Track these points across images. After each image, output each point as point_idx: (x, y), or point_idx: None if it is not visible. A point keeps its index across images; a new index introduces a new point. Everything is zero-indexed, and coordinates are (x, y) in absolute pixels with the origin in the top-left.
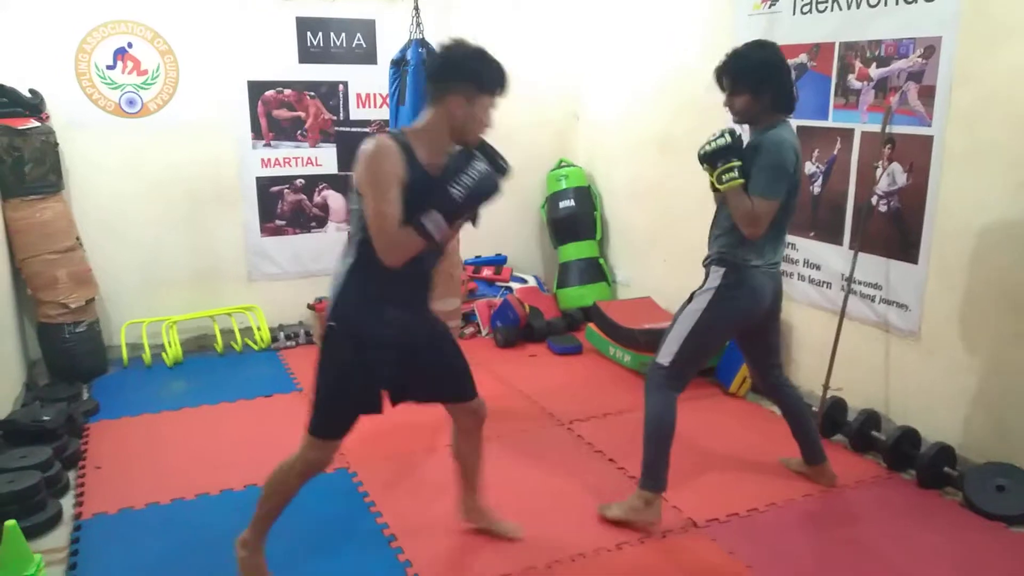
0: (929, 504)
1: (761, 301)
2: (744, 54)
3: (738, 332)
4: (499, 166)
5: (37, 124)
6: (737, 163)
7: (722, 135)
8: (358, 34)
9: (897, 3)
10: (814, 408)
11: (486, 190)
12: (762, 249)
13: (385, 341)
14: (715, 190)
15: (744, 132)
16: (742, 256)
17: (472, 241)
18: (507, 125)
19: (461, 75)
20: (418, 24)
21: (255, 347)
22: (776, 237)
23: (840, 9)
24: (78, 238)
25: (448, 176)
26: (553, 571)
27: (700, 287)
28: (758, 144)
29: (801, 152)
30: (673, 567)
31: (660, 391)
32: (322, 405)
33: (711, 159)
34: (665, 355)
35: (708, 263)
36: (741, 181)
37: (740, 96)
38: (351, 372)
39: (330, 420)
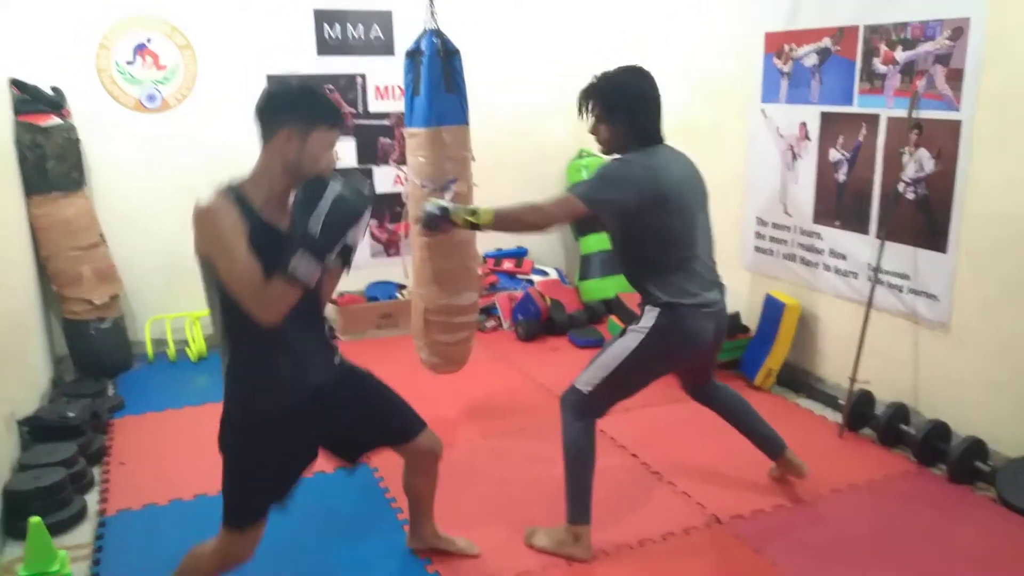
0: (960, 500)
1: (698, 343)
2: (612, 79)
3: (672, 372)
4: (359, 191)
5: (59, 121)
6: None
7: (431, 208)
8: (375, 25)
9: None
10: (840, 401)
11: (345, 215)
12: (684, 285)
13: (282, 417)
14: (475, 227)
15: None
16: (672, 295)
17: (493, 234)
18: (527, 115)
19: (288, 110)
20: (433, 14)
21: None
22: (689, 268)
23: None
24: (101, 234)
25: (299, 212)
26: (573, 568)
27: (635, 321)
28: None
29: (682, 172)
30: (696, 565)
31: (577, 419)
32: (231, 495)
33: (435, 223)
34: (585, 382)
35: (640, 303)
36: (491, 210)
37: (603, 125)
38: (247, 459)
39: (242, 509)
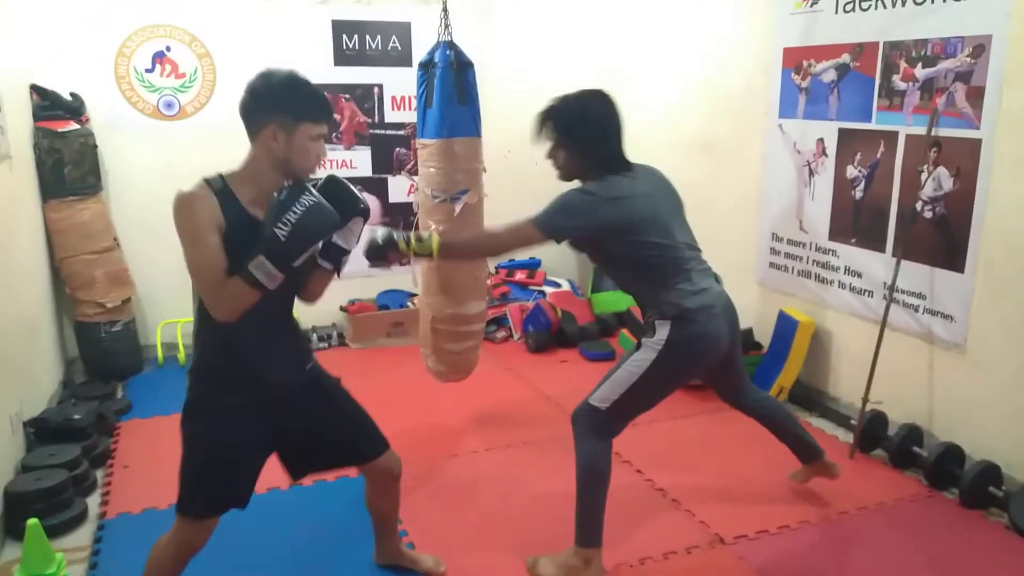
0: (972, 525)
1: (716, 345)
2: (569, 103)
3: (692, 380)
4: (347, 201)
5: (77, 126)
6: (413, 235)
7: (376, 236)
8: (393, 37)
9: (944, 0)
10: (853, 421)
11: (317, 225)
12: (685, 291)
13: (239, 412)
14: (421, 256)
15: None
16: (677, 307)
17: None
18: None
19: (271, 105)
20: (446, 26)
21: None
22: (681, 271)
23: (884, 7)
24: (116, 239)
25: (271, 215)
26: None
27: (649, 335)
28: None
29: (652, 189)
30: None
31: (592, 437)
32: (186, 481)
33: (381, 252)
34: (601, 399)
35: (649, 320)
36: (435, 238)
37: (561, 150)
38: (204, 446)
39: (196, 498)
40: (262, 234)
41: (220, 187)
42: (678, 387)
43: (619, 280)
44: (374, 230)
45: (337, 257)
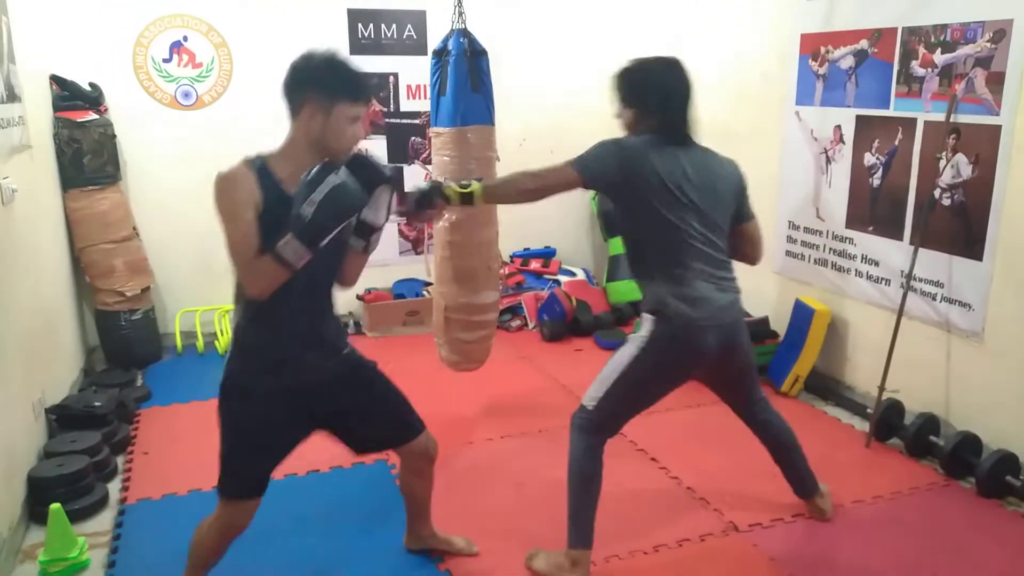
0: (989, 515)
1: (695, 357)
2: (642, 66)
3: (680, 385)
4: (374, 177)
5: (96, 116)
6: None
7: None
8: (409, 25)
9: None
10: (868, 410)
11: (342, 204)
12: (670, 293)
13: (274, 390)
14: (467, 201)
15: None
16: (658, 305)
17: (521, 233)
18: (557, 116)
19: (310, 85)
20: (460, 14)
21: None
22: (674, 273)
23: None
24: (135, 228)
25: (300, 194)
26: None
27: (636, 329)
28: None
29: (684, 166)
30: (710, 573)
31: (583, 436)
32: (224, 463)
33: (427, 200)
34: (590, 398)
35: (640, 310)
36: (475, 183)
37: (628, 110)
38: (245, 427)
39: (233, 479)
40: (291, 213)
41: (259, 166)
42: (667, 387)
43: (629, 257)
44: (417, 184)
45: (367, 234)
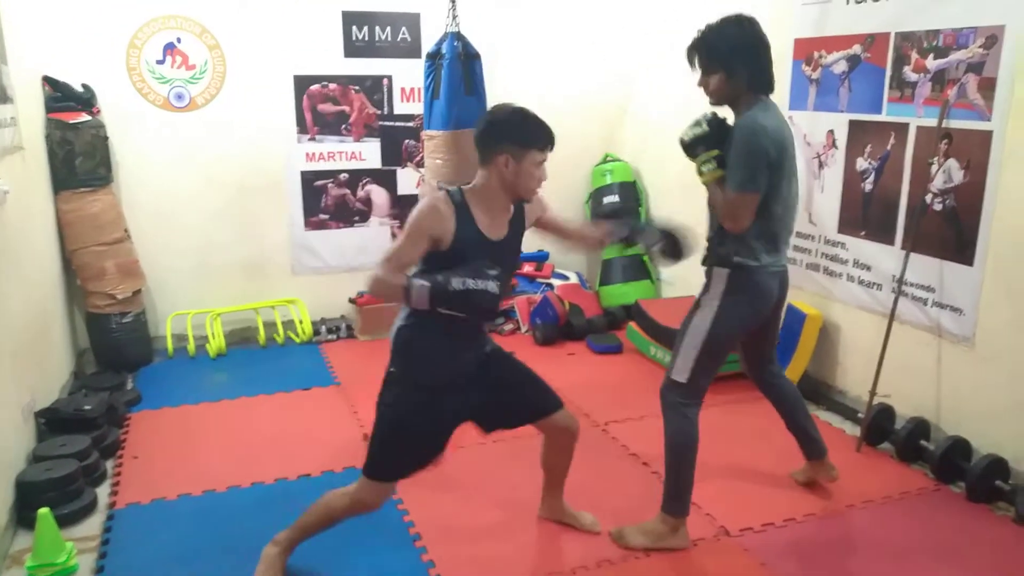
0: (979, 519)
1: (768, 300)
2: (717, 30)
3: (749, 333)
4: (672, 248)
5: (88, 118)
6: (715, 153)
7: (698, 123)
8: (403, 28)
9: None
10: (860, 414)
11: (476, 302)
12: (761, 248)
13: (441, 382)
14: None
15: (730, 116)
16: (744, 256)
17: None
18: (552, 120)
19: (504, 136)
20: (454, 17)
21: (297, 340)
22: (773, 231)
23: None
24: (126, 230)
25: (477, 256)
26: (590, 573)
27: (704, 292)
28: (732, 132)
29: (790, 133)
30: None
31: (681, 409)
32: (378, 447)
33: (691, 148)
34: (680, 371)
35: (709, 265)
36: (720, 173)
37: (713, 75)
38: (408, 417)
39: (385, 463)
40: (452, 268)
41: (459, 201)
42: (741, 336)
43: (714, 217)
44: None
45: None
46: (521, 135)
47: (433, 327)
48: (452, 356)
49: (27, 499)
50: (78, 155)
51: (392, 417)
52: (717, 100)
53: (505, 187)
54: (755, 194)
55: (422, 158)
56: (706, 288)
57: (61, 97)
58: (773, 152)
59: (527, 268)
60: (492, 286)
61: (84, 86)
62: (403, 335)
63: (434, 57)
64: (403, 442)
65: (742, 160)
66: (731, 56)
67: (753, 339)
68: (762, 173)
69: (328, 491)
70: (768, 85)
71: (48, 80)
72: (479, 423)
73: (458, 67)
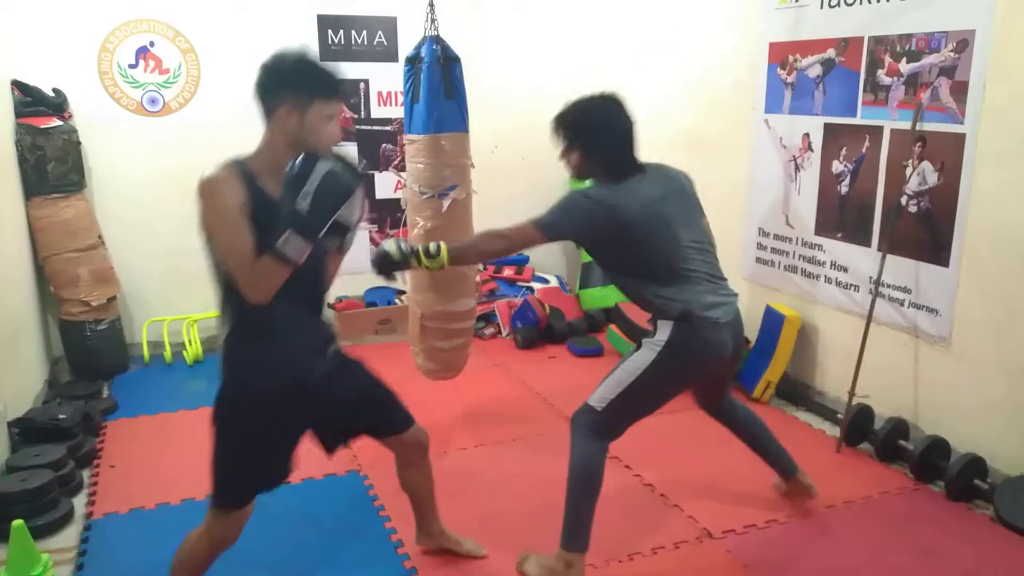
0: (958, 518)
1: (718, 357)
2: (583, 107)
3: (690, 386)
4: (351, 170)
5: (60, 123)
6: (423, 251)
7: (388, 248)
8: (379, 32)
9: None
10: (839, 415)
11: (336, 192)
12: (689, 295)
13: (274, 395)
14: (439, 267)
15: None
16: (685, 303)
17: None
18: (529, 122)
19: (284, 85)
20: (433, 20)
21: None
22: (683, 281)
23: (869, 2)
24: (100, 236)
25: (289, 188)
26: None
27: (649, 336)
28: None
29: (663, 194)
30: None
31: (589, 438)
32: (219, 472)
33: (399, 267)
34: (599, 399)
35: (651, 319)
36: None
37: (572, 153)
38: (241, 433)
39: (225, 486)
40: (284, 209)
41: (242, 169)
42: (676, 392)
43: (619, 281)
44: (382, 244)
45: (342, 233)
46: (302, 83)
47: (261, 332)
48: (286, 357)
49: (1, 511)
50: (50, 160)
51: (226, 434)
52: (577, 175)
53: (291, 144)
54: (538, 231)
55: (400, 162)
56: (652, 333)
57: (31, 102)
58: (591, 217)
59: (507, 271)
60: (324, 167)
61: (55, 90)
62: (229, 343)
63: (413, 61)
64: (239, 461)
65: (554, 205)
66: (587, 139)
67: (705, 388)
68: (566, 219)
69: (188, 534)
70: (629, 167)
71: (17, 84)
72: (321, 440)
73: (437, 71)
